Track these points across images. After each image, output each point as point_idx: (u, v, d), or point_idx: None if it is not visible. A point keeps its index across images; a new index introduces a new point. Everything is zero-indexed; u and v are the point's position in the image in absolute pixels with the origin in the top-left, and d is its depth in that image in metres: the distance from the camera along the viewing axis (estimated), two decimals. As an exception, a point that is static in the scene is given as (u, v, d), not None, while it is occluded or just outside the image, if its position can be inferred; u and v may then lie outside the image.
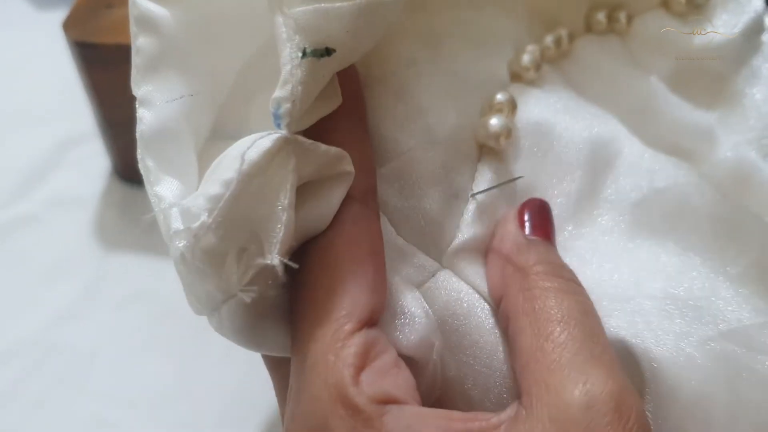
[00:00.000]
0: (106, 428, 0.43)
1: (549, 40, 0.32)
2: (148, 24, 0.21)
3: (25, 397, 0.43)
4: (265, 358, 0.24)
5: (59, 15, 0.49)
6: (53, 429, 0.42)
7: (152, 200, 0.20)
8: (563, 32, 0.32)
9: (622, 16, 0.33)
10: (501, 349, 0.22)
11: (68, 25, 0.47)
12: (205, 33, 0.22)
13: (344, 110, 0.22)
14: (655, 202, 0.26)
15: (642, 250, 0.25)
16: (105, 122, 0.51)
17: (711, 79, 0.32)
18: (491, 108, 0.26)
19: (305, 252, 0.21)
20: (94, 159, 0.55)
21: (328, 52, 0.20)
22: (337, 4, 0.19)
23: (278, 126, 0.19)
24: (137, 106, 0.21)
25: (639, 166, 0.27)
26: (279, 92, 0.19)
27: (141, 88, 0.21)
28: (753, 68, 0.32)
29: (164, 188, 0.20)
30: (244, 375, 0.43)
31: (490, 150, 0.26)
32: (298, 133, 0.20)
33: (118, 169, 0.55)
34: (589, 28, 0.33)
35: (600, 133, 0.27)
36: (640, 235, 0.26)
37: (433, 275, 0.24)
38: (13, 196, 0.55)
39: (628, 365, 0.22)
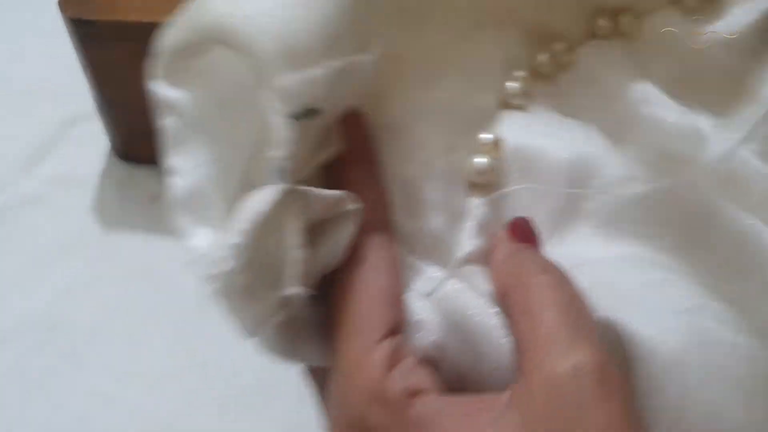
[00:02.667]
0: (109, 404, 0.45)
1: (544, 57, 0.34)
2: (168, 106, 0.25)
3: (28, 374, 0.46)
4: (306, 369, 0.28)
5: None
6: (57, 405, 0.45)
7: (188, 252, 0.24)
8: (560, 46, 0.34)
9: (627, 19, 0.34)
10: (505, 342, 0.25)
11: (64, 2, 0.46)
12: (222, 105, 0.25)
13: (355, 155, 0.27)
14: (631, 210, 0.29)
15: (620, 252, 0.28)
16: (104, 101, 0.51)
17: (720, 78, 0.33)
18: (478, 147, 0.29)
19: (334, 279, 0.25)
20: (94, 138, 0.55)
21: (313, 112, 0.23)
22: (316, 71, 0.23)
23: (279, 180, 0.23)
24: (168, 175, 0.25)
25: (617, 177, 0.29)
26: (274, 152, 0.23)
27: (169, 160, 0.25)
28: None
29: (198, 240, 0.25)
30: (247, 349, 0.45)
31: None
32: (302, 181, 0.24)
33: (118, 149, 0.56)
34: (593, 34, 0.35)
35: (579, 152, 0.30)
36: (617, 242, 0.29)
37: (442, 285, 0.27)
38: (13, 177, 0.56)
39: (610, 339, 0.24)
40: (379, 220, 0.26)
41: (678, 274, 0.27)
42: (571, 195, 0.29)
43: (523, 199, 0.29)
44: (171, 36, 0.25)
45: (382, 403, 0.22)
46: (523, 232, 0.28)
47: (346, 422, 0.23)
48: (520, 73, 0.32)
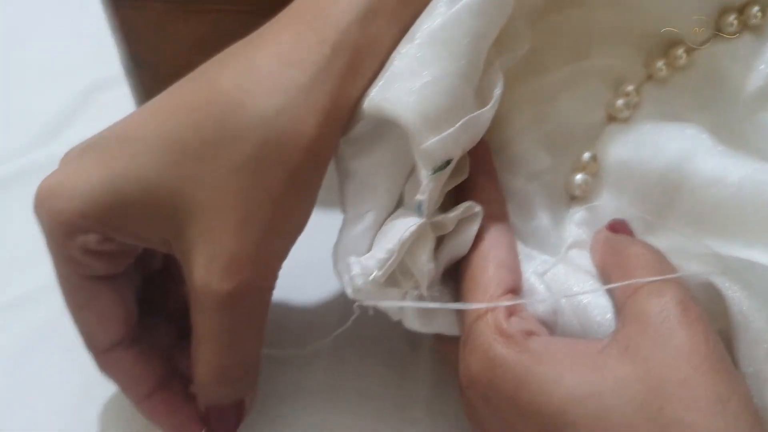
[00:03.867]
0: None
1: (661, 63, 0.38)
2: (347, 172, 0.32)
3: (48, 340, 0.43)
4: (437, 338, 0.35)
5: (86, -49, 0.47)
6: (84, 372, 0.39)
7: (344, 270, 0.32)
8: (679, 51, 0.37)
9: (755, 11, 0.35)
10: (609, 306, 0.30)
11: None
12: (384, 167, 0.32)
13: (479, 167, 0.34)
14: (727, 202, 0.31)
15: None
16: (132, 62, 0.49)
17: None
18: (578, 164, 0.36)
19: (467, 255, 0.32)
20: (120, 104, 0.49)
21: (447, 163, 0.30)
22: (448, 131, 0.29)
23: (421, 215, 0.31)
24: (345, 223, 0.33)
25: (712, 173, 0.32)
26: (419, 196, 0.30)
27: (346, 213, 0.33)
28: None
29: (354, 267, 0.31)
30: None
31: None
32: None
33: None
34: (719, 31, 0.36)
35: (672, 159, 0.33)
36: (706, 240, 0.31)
37: (554, 266, 0.34)
38: (36, 142, 0.54)
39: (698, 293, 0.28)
40: (499, 214, 0.33)
41: None
42: (662, 201, 0.33)
43: (618, 206, 0.35)
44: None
45: (504, 336, 0.28)
46: (621, 228, 0.34)
47: (478, 353, 0.28)
48: (629, 87, 0.36)
